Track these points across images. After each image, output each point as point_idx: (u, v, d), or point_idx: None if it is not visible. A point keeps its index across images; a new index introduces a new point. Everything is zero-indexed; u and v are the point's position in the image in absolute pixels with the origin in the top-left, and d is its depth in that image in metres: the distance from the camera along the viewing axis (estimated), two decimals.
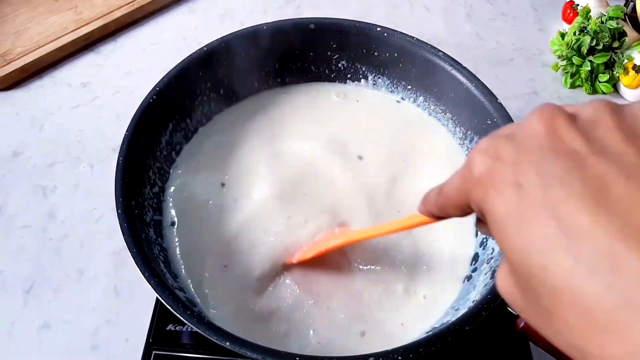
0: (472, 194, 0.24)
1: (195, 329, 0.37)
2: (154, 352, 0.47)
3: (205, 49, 0.55)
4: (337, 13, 0.77)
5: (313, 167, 0.55)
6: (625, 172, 0.20)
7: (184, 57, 0.54)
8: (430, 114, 0.59)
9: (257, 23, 0.57)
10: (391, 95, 0.61)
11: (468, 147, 0.56)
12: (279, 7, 0.80)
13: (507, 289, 0.23)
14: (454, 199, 0.27)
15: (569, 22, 0.74)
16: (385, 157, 0.56)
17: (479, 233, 0.51)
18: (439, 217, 0.31)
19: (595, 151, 0.20)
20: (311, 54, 0.60)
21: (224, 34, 0.56)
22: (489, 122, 0.51)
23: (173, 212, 0.51)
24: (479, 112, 0.52)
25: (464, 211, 0.27)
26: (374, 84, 0.61)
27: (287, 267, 0.48)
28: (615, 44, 0.68)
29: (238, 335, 0.37)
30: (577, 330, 0.19)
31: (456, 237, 0.51)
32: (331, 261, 0.49)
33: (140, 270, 0.40)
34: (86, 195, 0.59)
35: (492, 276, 0.43)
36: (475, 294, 0.44)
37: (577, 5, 0.74)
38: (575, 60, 0.69)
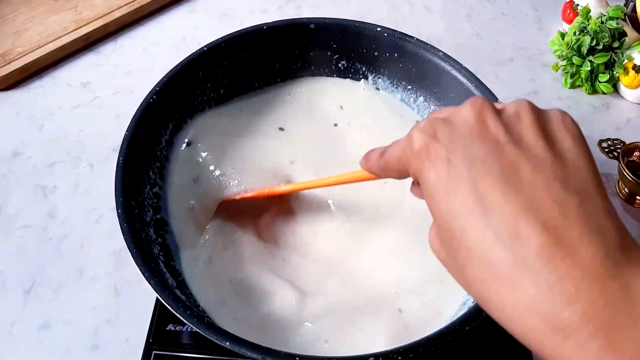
0: (410, 164, 0.28)
1: (195, 329, 0.37)
2: (154, 352, 0.47)
3: (205, 49, 0.54)
4: (337, 13, 0.77)
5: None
6: (533, 162, 0.24)
7: (184, 57, 0.54)
8: None
9: (257, 23, 0.57)
10: None
11: None
12: (279, 7, 0.80)
13: (435, 246, 0.28)
14: (394, 164, 0.30)
15: (569, 22, 0.74)
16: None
17: None
18: (378, 176, 0.34)
19: (512, 141, 0.25)
20: (311, 54, 0.60)
21: (224, 34, 0.56)
22: None
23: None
24: None
25: (402, 175, 0.31)
26: (374, 84, 0.61)
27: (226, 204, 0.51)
28: (615, 44, 0.68)
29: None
30: (482, 283, 0.24)
31: None
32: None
33: (140, 270, 0.40)
34: (86, 195, 0.59)
35: None
36: None
37: (577, 5, 0.74)
38: (575, 60, 0.69)
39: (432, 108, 0.59)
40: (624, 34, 0.69)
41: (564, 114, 0.27)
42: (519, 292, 0.22)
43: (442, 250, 0.27)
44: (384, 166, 0.32)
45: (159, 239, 0.48)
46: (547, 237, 0.22)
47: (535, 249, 0.22)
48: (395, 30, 0.57)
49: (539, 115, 0.26)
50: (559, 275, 0.22)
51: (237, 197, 0.51)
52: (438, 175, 0.26)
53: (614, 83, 0.70)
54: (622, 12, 0.69)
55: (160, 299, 0.39)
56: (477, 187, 0.24)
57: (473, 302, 0.42)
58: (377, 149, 0.33)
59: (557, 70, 0.73)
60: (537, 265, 0.22)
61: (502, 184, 0.24)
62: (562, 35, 0.72)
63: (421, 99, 0.59)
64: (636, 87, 0.68)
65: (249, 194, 0.51)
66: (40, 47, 0.70)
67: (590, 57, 0.69)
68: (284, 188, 0.50)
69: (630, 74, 0.68)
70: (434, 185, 0.26)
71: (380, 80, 0.61)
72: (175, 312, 0.38)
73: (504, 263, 0.23)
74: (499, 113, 0.26)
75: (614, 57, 0.69)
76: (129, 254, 0.41)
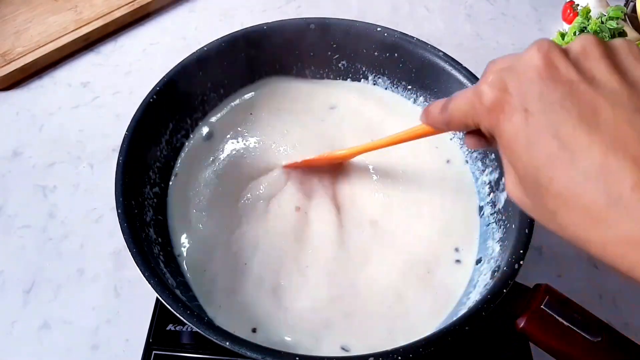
0: (482, 120, 0.28)
1: (195, 329, 0.37)
2: (154, 352, 0.47)
3: (205, 49, 0.54)
4: (337, 13, 0.77)
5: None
6: (610, 98, 0.24)
7: (184, 57, 0.54)
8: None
9: (257, 23, 0.57)
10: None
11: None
12: (279, 7, 0.80)
13: (517, 196, 0.28)
14: (460, 118, 0.30)
15: (569, 22, 0.74)
16: None
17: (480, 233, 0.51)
18: (440, 130, 0.35)
19: (585, 79, 0.25)
20: (311, 54, 0.60)
21: (224, 34, 0.56)
22: None
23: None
24: None
25: (467, 128, 0.31)
26: (374, 84, 0.61)
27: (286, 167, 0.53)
28: None
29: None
30: (578, 225, 0.24)
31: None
32: None
33: (140, 270, 0.40)
34: (86, 195, 0.59)
35: (492, 276, 0.43)
36: (475, 294, 0.44)
37: (577, 5, 0.74)
38: None
39: None
40: (624, 34, 0.69)
41: (629, 43, 0.26)
42: (619, 229, 0.22)
43: (525, 199, 0.27)
44: (448, 120, 0.32)
45: (159, 239, 0.48)
46: None
47: (629, 185, 0.22)
48: (395, 30, 0.57)
49: (606, 48, 0.26)
50: None
51: (298, 163, 0.53)
52: (516, 128, 0.26)
53: None
54: (622, 12, 0.69)
55: (160, 299, 0.39)
56: (560, 133, 0.24)
57: (473, 302, 0.42)
58: (437, 102, 0.33)
59: None
60: (634, 200, 0.22)
61: (584, 126, 0.23)
62: (562, 35, 0.72)
63: (421, 99, 0.59)
64: None
65: (308, 159, 0.52)
66: (40, 47, 0.70)
67: None
68: (339, 153, 0.52)
69: None
70: (513, 138, 0.26)
71: (380, 80, 0.61)
72: (175, 312, 0.38)
73: (599, 203, 0.23)
74: (566, 52, 0.26)
75: None
76: (129, 254, 0.41)
